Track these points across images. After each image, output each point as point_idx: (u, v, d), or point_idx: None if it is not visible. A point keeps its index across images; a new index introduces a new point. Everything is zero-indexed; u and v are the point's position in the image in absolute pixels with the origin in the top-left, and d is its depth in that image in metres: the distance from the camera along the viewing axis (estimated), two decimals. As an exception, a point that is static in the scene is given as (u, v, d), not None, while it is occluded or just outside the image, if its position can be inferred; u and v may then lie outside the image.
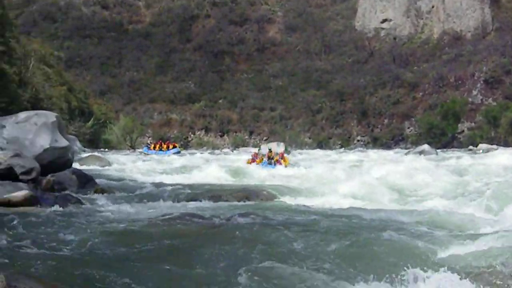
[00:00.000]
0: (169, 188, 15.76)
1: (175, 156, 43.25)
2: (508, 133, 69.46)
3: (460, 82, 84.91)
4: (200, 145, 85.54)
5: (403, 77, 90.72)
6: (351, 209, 11.36)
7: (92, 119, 64.10)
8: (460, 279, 5.59)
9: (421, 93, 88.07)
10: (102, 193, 13.97)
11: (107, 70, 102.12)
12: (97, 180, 17.09)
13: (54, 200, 11.98)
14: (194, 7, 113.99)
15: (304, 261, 6.39)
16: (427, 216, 9.87)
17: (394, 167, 20.69)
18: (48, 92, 50.24)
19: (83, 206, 11.49)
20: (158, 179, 20.36)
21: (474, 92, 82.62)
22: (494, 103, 77.53)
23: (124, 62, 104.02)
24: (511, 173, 19.37)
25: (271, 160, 29.31)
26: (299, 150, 59.19)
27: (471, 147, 60.99)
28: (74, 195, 13.04)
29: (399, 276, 5.76)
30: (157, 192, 14.66)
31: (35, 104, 37.02)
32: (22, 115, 17.69)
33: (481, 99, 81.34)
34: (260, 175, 22.22)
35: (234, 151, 63.37)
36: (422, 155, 38.78)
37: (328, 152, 56.63)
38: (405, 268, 5.87)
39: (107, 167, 27.52)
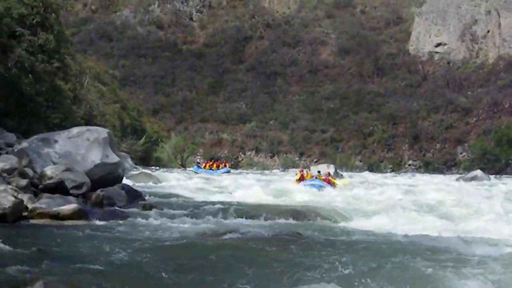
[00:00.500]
0: (216, 206, 15.76)
1: (225, 176, 43.37)
2: None
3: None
4: (250, 166, 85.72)
5: (456, 102, 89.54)
6: (393, 233, 11.22)
7: (144, 137, 64.70)
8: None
9: (474, 119, 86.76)
10: (150, 209, 14.06)
11: (160, 89, 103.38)
12: (146, 197, 17.24)
13: (102, 214, 12.16)
14: (248, 28, 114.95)
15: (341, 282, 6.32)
16: (469, 242, 9.66)
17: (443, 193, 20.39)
18: (101, 109, 50.86)
19: (130, 221, 11.60)
20: (206, 197, 20.42)
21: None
22: (549, 130, 75.91)
23: (177, 82, 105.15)
24: None
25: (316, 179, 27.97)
26: (350, 173, 58.73)
27: (525, 174, 59.81)
28: (122, 210, 13.19)
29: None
30: (204, 210, 14.68)
31: (89, 121, 37.52)
32: (75, 130, 17.98)
33: (537, 126, 79.73)
34: (307, 196, 22.07)
35: (283, 172, 63.25)
36: (474, 180, 38.13)
37: (378, 175, 56.02)
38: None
39: (156, 184, 27.74)
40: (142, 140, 63.46)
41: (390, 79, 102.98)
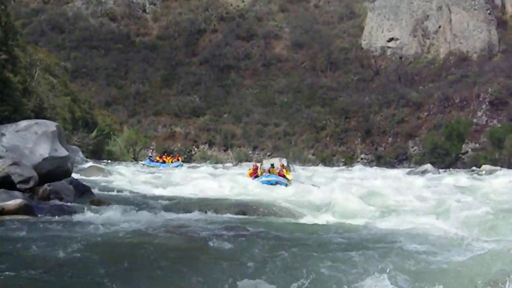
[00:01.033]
0: (166, 200, 15.68)
1: (177, 170, 43.27)
2: (512, 155, 69.29)
3: (465, 103, 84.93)
4: (204, 159, 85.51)
5: (408, 97, 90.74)
6: (339, 225, 11.32)
7: (96, 130, 64.01)
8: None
9: (425, 113, 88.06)
10: (98, 204, 13.84)
11: (112, 81, 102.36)
12: (95, 191, 17.01)
13: (49, 209, 11.93)
14: (201, 21, 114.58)
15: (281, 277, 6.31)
16: (404, 233, 9.79)
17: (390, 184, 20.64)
18: (52, 102, 50.09)
19: (76, 216, 11.38)
20: (156, 191, 20.30)
21: (479, 113, 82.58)
22: (499, 125, 77.44)
23: (130, 74, 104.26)
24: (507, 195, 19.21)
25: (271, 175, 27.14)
26: (302, 167, 58.98)
27: (474, 168, 60.86)
28: (69, 205, 12.98)
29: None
30: (153, 204, 14.57)
31: (39, 113, 36.93)
32: (23, 123, 17.62)
33: (486, 120, 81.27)
34: (259, 191, 22.10)
35: (237, 166, 63.27)
36: (425, 174, 38.70)
37: (329, 169, 56.42)
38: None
39: (107, 178, 27.45)
40: (94, 133, 62.75)
41: (343, 73, 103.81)
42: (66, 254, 7.19)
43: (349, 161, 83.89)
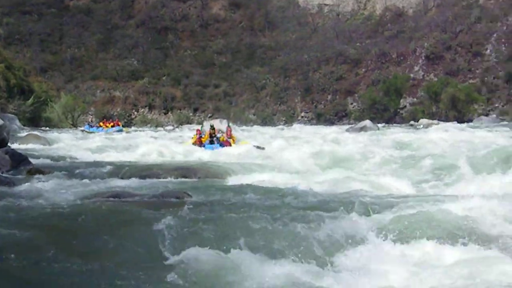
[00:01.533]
0: (106, 166, 15.51)
1: (116, 134, 42.77)
2: (448, 108, 70.68)
3: (402, 58, 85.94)
4: (144, 123, 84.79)
5: (346, 54, 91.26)
6: (283, 185, 11.41)
7: (32, 97, 62.62)
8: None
9: (363, 69, 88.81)
10: (36, 174, 13.62)
11: (47, 47, 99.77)
12: (33, 160, 16.72)
13: (-17, 181, 11.66)
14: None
15: (221, 242, 6.33)
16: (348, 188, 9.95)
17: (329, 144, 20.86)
18: (-16, 70, 48.86)
19: (13, 187, 11.17)
20: (96, 158, 20.07)
21: (416, 68, 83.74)
22: (435, 79, 78.70)
23: (65, 39, 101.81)
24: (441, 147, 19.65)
25: (214, 138, 26.32)
26: (243, 127, 59.05)
27: (412, 122, 62.04)
28: (5, 175, 12.71)
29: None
30: (93, 171, 14.40)
31: (-29, 82, 36.00)
32: (-47, 93, 17.12)
33: (423, 75, 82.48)
34: (202, 154, 22.04)
35: (177, 129, 63.01)
36: (363, 131, 39.13)
37: (271, 128, 56.65)
38: (318, 244, 5.86)
39: (46, 146, 26.97)
40: (30, 100, 61.40)
41: (281, 32, 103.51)
42: None
43: (290, 120, 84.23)
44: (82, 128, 55.86)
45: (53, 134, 38.09)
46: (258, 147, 23.08)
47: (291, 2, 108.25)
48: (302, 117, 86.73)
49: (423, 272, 5.64)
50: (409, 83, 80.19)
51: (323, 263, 5.87)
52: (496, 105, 73.69)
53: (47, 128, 55.04)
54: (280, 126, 67.35)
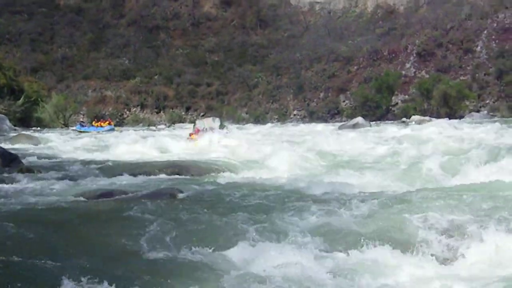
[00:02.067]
0: (98, 165, 15.47)
1: (108, 134, 42.66)
2: (440, 105, 70.81)
3: (393, 55, 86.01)
4: (136, 122, 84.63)
5: (338, 51, 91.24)
6: (276, 181, 11.40)
7: (22, 97, 62.50)
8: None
9: (355, 67, 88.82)
10: (27, 172, 13.55)
11: (38, 46, 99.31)
12: (24, 159, 16.65)
13: (-27, 180, 11.58)
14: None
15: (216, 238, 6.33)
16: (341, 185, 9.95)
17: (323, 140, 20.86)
18: (-26, 70, 48.68)
19: (3, 185, 11.11)
20: (88, 157, 20.01)
21: (407, 65, 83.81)
22: (427, 76, 78.80)
23: (56, 39, 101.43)
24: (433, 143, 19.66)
25: None
26: (236, 125, 59.01)
27: (404, 119, 62.03)
28: (-5, 174, 12.65)
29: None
30: (84, 170, 14.36)
31: (-39, 82, 35.85)
32: None
33: (414, 72, 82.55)
34: (191, 151, 21.97)
35: (170, 127, 62.95)
36: (356, 128, 39.16)
37: (264, 126, 56.57)
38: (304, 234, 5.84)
39: (37, 146, 26.92)
40: (21, 100, 61.30)
41: (273, 30, 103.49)
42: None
43: (282, 118, 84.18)
44: (73, 128, 55.72)
45: (44, 134, 38.01)
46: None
47: (283, 0, 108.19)
48: (294, 115, 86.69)
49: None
50: (401, 80, 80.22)
51: (308, 259, 5.86)
52: (487, 101, 73.83)
53: (38, 128, 55.00)
54: (273, 124, 67.26)
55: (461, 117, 60.41)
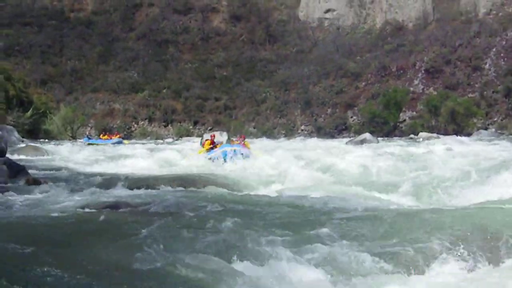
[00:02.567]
0: (105, 177, 15.41)
1: (116, 146, 42.75)
2: (448, 122, 70.82)
3: (401, 71, 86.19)
4: (144, 135, 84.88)
5: (346, 67, 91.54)
6: (281, 197, 11.36)
7: (31, 109, 62.77)
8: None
9: (363, 83, 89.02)
10: (34, 184, 13.55)
11: (48, 59, 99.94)
12: (31, 171, 16.62)
13: (-19, 190, 11.57)
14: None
15: (216, 252, 6.29)
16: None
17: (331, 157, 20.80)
18: (-16, 81, 48.94)
19: (9, 196, 11.10)
20: (95, 169, 20.00)
21: (416, 82, 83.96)
22: (435, 93, 78.88)
23: (65, 51, 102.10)
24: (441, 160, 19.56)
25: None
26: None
27: (412, 135, 62.01)
28: (2, 185, 12.63)
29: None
30: (91, 182, 14.31)
31: (-30, 93, 36.02)
32: (-49, 103, 17.10)
33: (422, 89, 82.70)
34: (200, 164, 21.91)
35: (177, 141, 63.01)
36: (363, 144, 39.05)
37: (272, 141, 56.54)
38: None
39: (44, 157, 27.01)
40: (29, 112, 61.53)
41: (282, 45, 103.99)
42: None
43: (290, 133, 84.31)
44: (81, 140, 55.86)
45: (51, 146, 38.11)
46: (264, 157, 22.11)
47: (292, 16, 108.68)
48: (302, 130, 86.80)
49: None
50: (409, 96, 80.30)
51: (314, 276, 5.82)
52: (495, 119, 73.80)
53: (46, 140, 55.12)
54: (281, 139, 67.22)
55: (469, 134, 60.29)
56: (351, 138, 54.99)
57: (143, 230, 7.19)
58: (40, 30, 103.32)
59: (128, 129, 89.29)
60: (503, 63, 78.73)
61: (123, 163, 22.75)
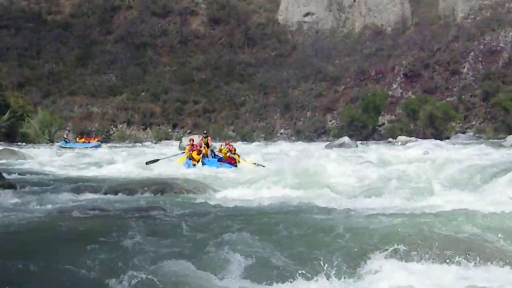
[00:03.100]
0: (82, 182, 15.26)
1: (94, 150, 42.43)
2: (426, 125, 71.31)
3: (380, 75, 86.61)
4: (122, 139, 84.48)
5: (325, 71, 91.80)
6: (257, 201, 11.30)
7: (8, 112, 62.26)
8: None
9: (342, 87, 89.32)
10: (10, 188, 13.35)
11: (25, 62, 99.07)
12: (6, 175, 16.42)
13: (-47, 195, 11.39)
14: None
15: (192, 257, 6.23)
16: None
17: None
18: (-40, 84, 48.47)
19: (-17, 201, 10.93)
20: (71, 173, 19.85)
21: (394, 86, 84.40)
22: (413, 96, 79.35)
23: (42, 54, 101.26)
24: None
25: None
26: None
27: (390, 139, 62.29)
28: (-25, 190, 12.45)
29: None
30: (66, 187, 14.10)
31: None
32: None
33: (401, 93, 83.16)
34: (177, 168, 21.77)
35: (156, 144, 62.79)
36: (342, 147, 39.12)
37: (251, 145, 56.47)
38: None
39: (21, 161, 26.71)
40: (6, 115, 61.07)
41: (261, 49, 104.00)
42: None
43: (269, 137, 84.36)
44: (58, 144, 55.41)
45: (29, 150, 37.76)
46: (258, 165, 21.65)
47: (271, 19, 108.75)
48: (281, 133, 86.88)
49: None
50: (388, 100, 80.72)
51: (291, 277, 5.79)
52: (473, 122, 74.39)
53: (24, 144, 54.68)
54: (260, 143, 67.11)
55: (447, 138, 60.74)
56: (330, 141, 55.08)
57: (116, 235, 7.13)
58: (17, 32, 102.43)
59: (106, 132, 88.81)
60: (481, 67, 79.42)
61: (100, 167, 22.55)
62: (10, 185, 13.82)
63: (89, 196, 12.58)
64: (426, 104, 72.96)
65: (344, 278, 5.81)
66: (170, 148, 39.33)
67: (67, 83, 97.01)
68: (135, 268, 5.81)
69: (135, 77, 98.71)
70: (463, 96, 77.24)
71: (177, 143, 51.36)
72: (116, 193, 12.91)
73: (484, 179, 12.92)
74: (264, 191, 13.48)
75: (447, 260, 6.22)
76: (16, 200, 11.30)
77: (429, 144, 37.15)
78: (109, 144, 63.21)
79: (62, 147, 49.46)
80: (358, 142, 51.42)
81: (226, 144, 23.39)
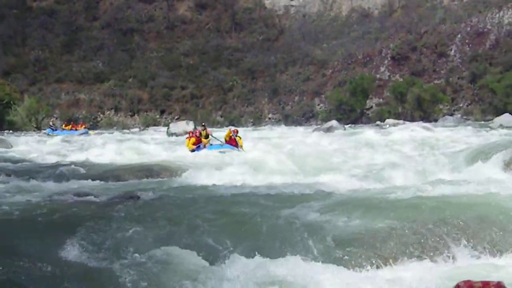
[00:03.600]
0: (68, 169, 15.17)
1: (82, 137, 42.24)
2: (414, 108, 71.37)
3: (368, 59, 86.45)
4: (110, 125, 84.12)
5: (312, 55, 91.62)
6: (246, 184, 11.30)
7: (-6, 100, 62.04)
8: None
9: (330, 70, 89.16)
10: (-6, 176, 13.30)
11: (10, 49, 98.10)
12: (-9, 163, 16.36)
13: None
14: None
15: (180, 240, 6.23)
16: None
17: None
18: None
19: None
20: (59, 160, 19.64)
21: (382, 69, 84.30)
22: (401, 79, 79.31)
23: (28, 41, 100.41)
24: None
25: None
26: (212, 129, 58.71)
27: (378, 122, 62.38)
28: (-39, 178, 12.38)
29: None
30: (53, 173, 14.09)
31: None
32: None
33: (389, 76, 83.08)
34: (164, 153, 21.70)
35: (143, 131, 62.70)
36: (330, 131, 39.12)
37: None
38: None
39: (7, 149, 26.55)
40: (-8, 103, 60.74)
41: (248, 33, 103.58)
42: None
43: (257, 121, 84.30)
44: (45, 131, 55.14)
45: (15, 137, 37.61)
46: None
47: (258, 4, 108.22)
48: (269, 118, 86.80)
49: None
50: (375, 83, 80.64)
51: (270, 257, 5.79)
52: (461, 105, 74.52)
53: (10, 131, 54.44)
54: (249, 127, 67.15)
55: (435, 120, 60.90)
56: (318, 125, 55.08)
57: (102, 221, 7.10)
58: (1, 20, 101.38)
59: (94, 119, 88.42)
60: (468, 49, 79.44)
61: (88, 153, 22.42)
62: (-4, 173, 13.76)
63: (75, 182, 12.56)
64: (414, 87, 72.97)
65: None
66: (159, 133, 39.15)
67: (54, 70, 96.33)
68: (121, 252, 5.82)
69: (122, 63, 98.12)
70: (451, 79, 77.26)
71: (165, 129, 51.19)
72: (102, 179, 12.89)
73: (469, 160, 12.96)
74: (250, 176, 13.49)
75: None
76: (1, 188, 11.24)
77: (416, 126, 37.27)
78: (96, 131, 63.02)
79: (49, 134, 49.23)
80: (346, 126, 51.56)
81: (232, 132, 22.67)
